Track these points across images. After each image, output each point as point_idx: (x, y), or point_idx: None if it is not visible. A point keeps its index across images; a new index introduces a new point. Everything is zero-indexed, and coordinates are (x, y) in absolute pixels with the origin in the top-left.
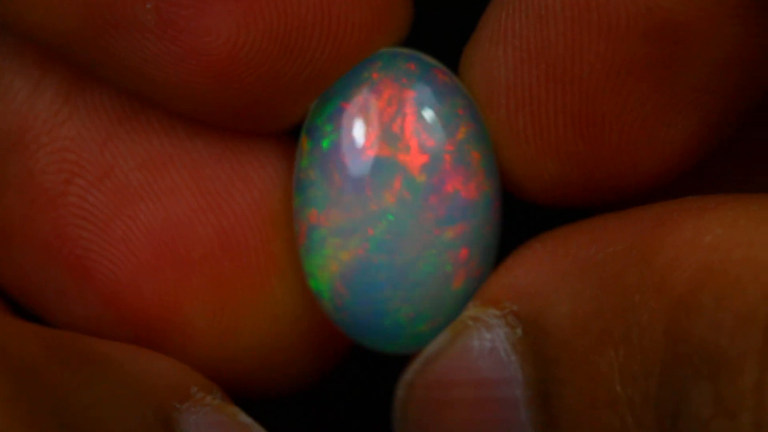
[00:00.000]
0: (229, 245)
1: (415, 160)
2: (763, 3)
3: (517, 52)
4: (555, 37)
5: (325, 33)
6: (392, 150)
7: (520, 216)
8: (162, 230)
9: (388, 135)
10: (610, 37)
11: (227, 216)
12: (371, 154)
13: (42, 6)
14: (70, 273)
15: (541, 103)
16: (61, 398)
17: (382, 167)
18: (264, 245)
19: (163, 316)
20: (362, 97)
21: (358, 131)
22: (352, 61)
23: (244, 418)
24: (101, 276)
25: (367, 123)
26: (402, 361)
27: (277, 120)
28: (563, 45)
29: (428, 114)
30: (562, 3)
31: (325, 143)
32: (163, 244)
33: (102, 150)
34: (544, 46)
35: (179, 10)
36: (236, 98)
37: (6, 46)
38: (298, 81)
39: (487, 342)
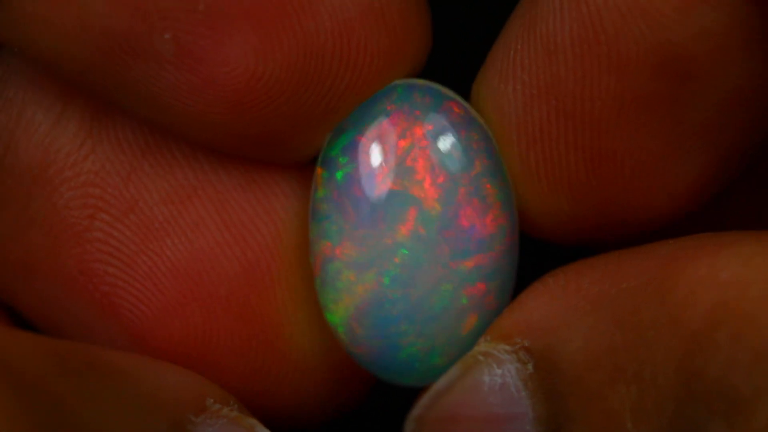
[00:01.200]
0: (254, 279)
1: (430, 193)
2: None
3: (526, 88)
4: (565, 72)
5: (344, 62)
6: (407, 183)
7: (534, 252)
8: (188, 266)
9: (402, 168)
10: (620, 72)
11: (252, 249)
12: (386, 187)
13: (58, 34)
14: (96, 309)
15: (552, 140)
16: (68, 412)
17: (397, 201)
18: (289, 277)
19: (191, 354)
20: (377, 129)
21: (373, 164)
22: (371, 90)
23: (262, 430)
24: (127, 313)
25: (382, 156)
26: (412, 394)
27: (296, 150)
28: (573, 80)
29: (443, 147)
30: (571, 38)
31: (339, 175)
32: (190, 280)
33: (126, 184)
34: (553, 81)
35: (198, 40)
36: (254, 128)
37: (27, 78)
38: (317, 111)
39: (498, 378)
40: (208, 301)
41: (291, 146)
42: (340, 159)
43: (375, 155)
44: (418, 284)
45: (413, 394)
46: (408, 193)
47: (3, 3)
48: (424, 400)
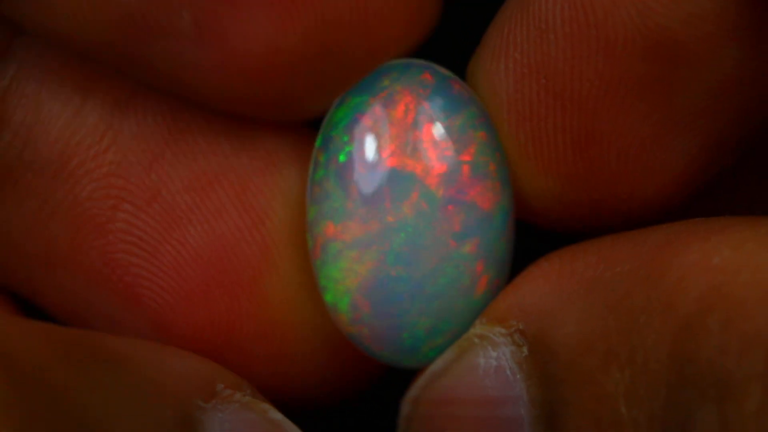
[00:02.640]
0: (274, 263)
1: (431, 171)
2: (763, 27)
3: (518, 66)
4: (555, 52)
5: (362, 30)
6: (408, 161)
7: (530, 235)
8: (211, 253)
9: (404, 146)
10: (608, 54)
11: (270, 232)
12: (388, 165)
13: (73, 15)
14: (120, 300)
15: (541, 119)
16: (68, 401)
17: (399, 179)
18: (303, 260)
19: (215, 342)
20: (378, 108)
21: (374, 143)
22: (384, 56)
23: (275, 414)
24: (152, 303)
25: (383, 134)
26: (407, 376)
27: (307, 111)
28: (562, 59)
29: (444, 125)
30: (562, 18)
31: (341, 155)
32: (213, 267)
33: (148, 173)
34: (544, 60)
35: (217, 16)
36: (272, 96)
37: (44, 72)
38: (334, 78)
39: (493, 360)
40: (232, 289)
41: (304, 109)
42: (341, 138)
43: (376, 134)
44: (421, 262)
45: (410, 376)
46: (410, 171)
47: None
48: (420, 381)
